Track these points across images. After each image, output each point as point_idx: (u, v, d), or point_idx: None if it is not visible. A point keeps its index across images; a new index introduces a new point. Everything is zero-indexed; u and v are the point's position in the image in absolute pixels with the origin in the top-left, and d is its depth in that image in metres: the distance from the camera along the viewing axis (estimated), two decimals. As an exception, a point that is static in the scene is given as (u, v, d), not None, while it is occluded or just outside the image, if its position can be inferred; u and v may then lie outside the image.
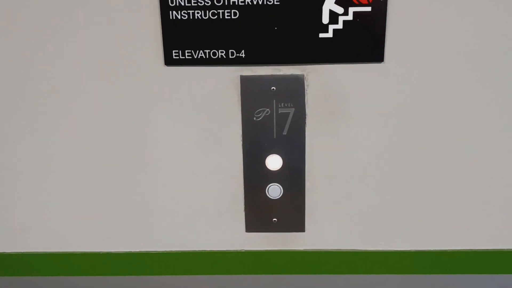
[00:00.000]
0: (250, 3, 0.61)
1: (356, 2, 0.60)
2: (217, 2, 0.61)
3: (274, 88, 0.65)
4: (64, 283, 0.78)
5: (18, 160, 0.70)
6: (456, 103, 0.65)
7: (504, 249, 0.73)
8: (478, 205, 0.70)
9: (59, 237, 0.74)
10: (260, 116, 0.66)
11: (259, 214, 0.72)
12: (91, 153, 0.69)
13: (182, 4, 0.61)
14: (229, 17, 0.61)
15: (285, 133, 0.67)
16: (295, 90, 0.65)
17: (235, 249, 0.74)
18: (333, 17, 0.61)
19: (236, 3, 0.61)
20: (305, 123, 0.66)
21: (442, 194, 0.70)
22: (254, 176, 0.69)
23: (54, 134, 0.68)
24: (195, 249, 0.74)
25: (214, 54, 0.63)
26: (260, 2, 0.61)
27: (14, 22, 0.63)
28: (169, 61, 0.64)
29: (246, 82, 0.65)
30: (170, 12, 0.61)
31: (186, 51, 0.63)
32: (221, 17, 0.61)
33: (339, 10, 0.61)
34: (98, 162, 0.70)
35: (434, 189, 0.70)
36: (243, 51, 0.63)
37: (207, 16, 0.61)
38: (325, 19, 0.61)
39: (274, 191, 0.70)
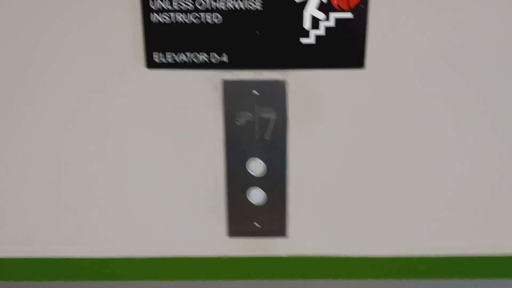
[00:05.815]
0: (233, 8, 0.61)
1: (338, 8, 0.61)
2: (199, 6, 0.61)
3: (256, 92, 0.65)
4: None
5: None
6: (435, 108, 0.66)
7: (484, 254, 0.73)
8: (458, 210, 0.71)
9: (31, 242, 0.73)
10: (242, 120, 0.67)
11: (241, 219, 0.71)
12: (67, 153, 0.68)
13: (164, 7, 0.61)
14: (212, 22, 0.62)
15: (267, 137, 0.67)
16: (277, 94, 0.65)
17: (217, 254, 0.74)
18: (315, 22, 0.61)
19: (219, 8, 0.61)
20: (286, 127, 0.67)
21: (425, 200, 0.70)
22: (236, 181, 0.69)
23: (30, 134, 0.67)
24: (175, 255, 0.74)
25: (196, 57, 0.63)
26: (243, 7, 0.61)
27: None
28: (150, 64, 0.63)
29: (228, 86, 0.65)
30: (152, 14, 0.61)
31: (168, 54, 0.63)
32: (203, 21, 0.62)
33: (321, 16, 0.61)
34: (74, 163, 0.69)
35: (417, 196, 0.70)
36: (225, 55, 0.63)
37: (190, 20, 0.62)
38: (307, 24, 0.62)
39: (256, 196, 0.70)
